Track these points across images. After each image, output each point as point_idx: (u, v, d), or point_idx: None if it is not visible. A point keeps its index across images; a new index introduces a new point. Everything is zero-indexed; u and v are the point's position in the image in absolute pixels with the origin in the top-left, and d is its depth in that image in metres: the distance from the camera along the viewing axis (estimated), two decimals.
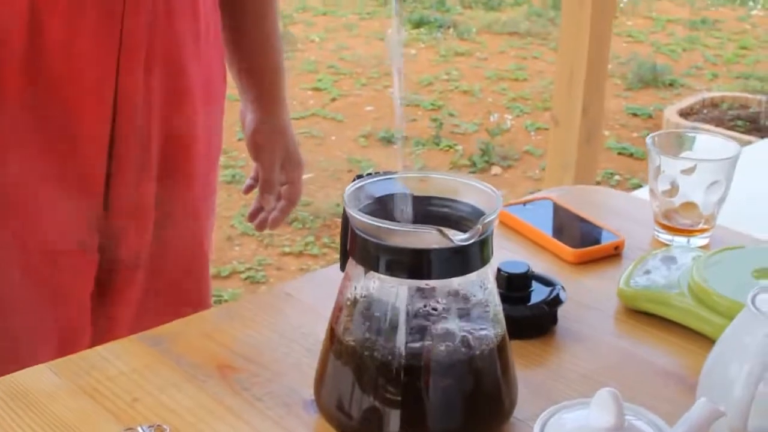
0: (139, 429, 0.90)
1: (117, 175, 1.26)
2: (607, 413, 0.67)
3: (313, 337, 1.03)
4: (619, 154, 4.83)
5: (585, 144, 3.25)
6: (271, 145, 1.49)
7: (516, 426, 0.92)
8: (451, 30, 6.75)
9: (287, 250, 3.83)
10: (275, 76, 1.49)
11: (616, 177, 4.55)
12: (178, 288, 1.38)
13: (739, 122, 4.99)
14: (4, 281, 1.25)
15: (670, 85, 5.84)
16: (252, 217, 1.54)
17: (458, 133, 5.04)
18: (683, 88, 5.81)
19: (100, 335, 1.30)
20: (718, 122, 4.88)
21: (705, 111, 5.08)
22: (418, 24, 6.82)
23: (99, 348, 1.05)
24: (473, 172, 4.54)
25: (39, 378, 0.99)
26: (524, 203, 1.36)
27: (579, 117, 3.21)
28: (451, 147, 4.84)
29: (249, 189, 1.56)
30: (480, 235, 0.83)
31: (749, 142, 4.30)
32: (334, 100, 5.45)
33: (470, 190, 0.90)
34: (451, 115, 5.27)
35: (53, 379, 0.99)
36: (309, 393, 0.94)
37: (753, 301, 0.89)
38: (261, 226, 1.54)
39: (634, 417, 0.70)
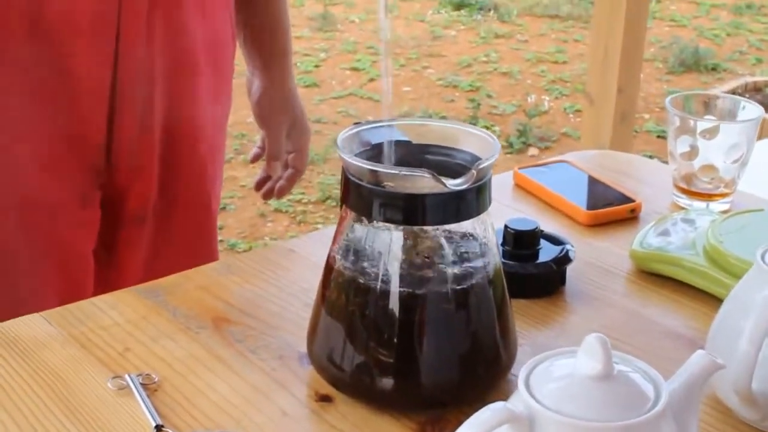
0: (127, 377, 0.88)
1: (118, 129, 1.24)
2: (594, 360, 0.64)
3: (313, 292, 0.97)
4: (659, 137, 4.75)
5: (620, 124, 3.20)
6: (277, 113, 1.47)
7: (514, 384, 0.89)
8: (492, 12, 6.68)
9: (320, 227, 3.80)
10: (281, 43, 1.47)
11: (655, 160, 4.48)
12: (185, 247, 1.36)
13: None
14: (3, 234, 1.23)
15: (713, 69, 5.74)
16: (259, 186, 1.53)
17: (496, 114, 4.99)
18: (726, 72, 5.71)
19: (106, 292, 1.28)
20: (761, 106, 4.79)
21: (747, 95, 4.98)
22: (459, 6, 6.75)
23: (95, 299, 1.03)
24: (510, 153, 4.50)
25: (32, 326, 0.97)
26: (540, 165, 1.33)
27: (614, 96, 3.16)
28: (488, 128, 4.78)
29: (256, 158, 1.54)
30: (475, 182, 0.80)
31: None
32: (372, 80, 5.41)
33: (469, 138, 0.87)
34: (489, 96, 5.22)
35: (46, 328, 0.97)
36: (304, 346, 0.92)
37: (763, 257, 0.86)
38: (268, 195, 1.52)
39: (625, 365, 0.67)
